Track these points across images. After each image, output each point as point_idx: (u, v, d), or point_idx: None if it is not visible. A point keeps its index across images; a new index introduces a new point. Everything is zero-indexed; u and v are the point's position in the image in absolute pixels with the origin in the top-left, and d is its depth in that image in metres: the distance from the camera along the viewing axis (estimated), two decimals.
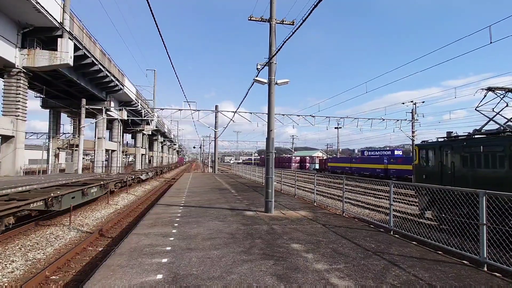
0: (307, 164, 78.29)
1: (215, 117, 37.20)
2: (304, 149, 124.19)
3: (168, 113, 34.79)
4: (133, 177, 25.57)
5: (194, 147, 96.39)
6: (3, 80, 20.99)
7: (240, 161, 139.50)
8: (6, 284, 6.43)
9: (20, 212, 9.48)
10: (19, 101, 20.69)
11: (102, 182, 16.75)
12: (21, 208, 9.48)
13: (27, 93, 21.93)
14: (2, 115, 20.51)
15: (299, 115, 35.71)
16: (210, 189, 18.18)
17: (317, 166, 70.03)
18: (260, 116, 34.69)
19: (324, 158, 73.11)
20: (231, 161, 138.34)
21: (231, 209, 11.05)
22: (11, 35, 19.28)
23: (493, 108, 11.39)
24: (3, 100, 20.62)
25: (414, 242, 6.99)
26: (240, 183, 23.54)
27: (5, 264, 7.40)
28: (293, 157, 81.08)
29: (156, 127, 55.14)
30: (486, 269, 5.33)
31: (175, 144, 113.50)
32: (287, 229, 8.04)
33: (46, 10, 18.76)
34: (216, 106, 37.09)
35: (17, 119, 20.66)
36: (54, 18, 19.96)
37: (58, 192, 11.73)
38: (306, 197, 16.15)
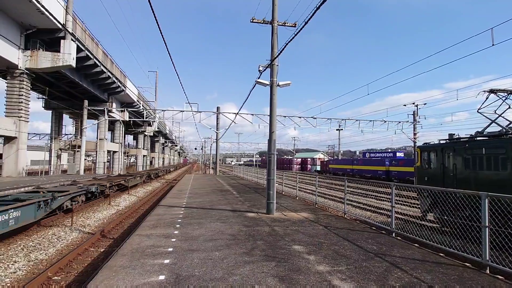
0: (308, 165, 78.19)
1: (217, 118, 37.27)
2: (305, 151, 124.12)
3: (170, 114, 34.87)
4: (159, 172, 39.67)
5: (195, 149, 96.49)
6: (6, 81, 21.08)
7: (242, 162, 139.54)
8: (8, 285, 6.45)
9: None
10: (21, 102, 20.77)
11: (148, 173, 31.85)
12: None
13: (29, 94, 22.02)
14: (5, 116, 20.60)
15: (300, 117, 35.74)
16: (211, 191, 18.19)
17: (318, 168, 69.93)
18: (262, 117, 34.75)
19: (326, 159, 73.03)
20: (233, 163, 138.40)
21: (232, 211, 11.06)
22: (14, 36, 19.38)
23: (495, 110, 11.38)
24: (6, 101, 20.71)
25: (416, 244, 6.99)
26: (242, 184, 23.54)
27: (8, 265, 7.42)
28: (294, 159, 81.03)
29: (157, 128, 55.26)
30: (488, 272, 5.31)
31: (176, 146, 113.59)
32: (288, 231, 8.04)
33: (49, 12, 18.86)
34: (218, 108, 37.16)
35: (19, 120, 20.75)
36: (57, 20, 20.05)
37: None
38: (307, 199, 16.13)
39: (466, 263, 5.69)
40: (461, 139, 11.26)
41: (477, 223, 6.07)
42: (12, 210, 8.46)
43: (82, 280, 6.58)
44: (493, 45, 12.59)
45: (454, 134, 12.03)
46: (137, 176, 25.88)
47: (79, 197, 13.51)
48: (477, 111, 11.89)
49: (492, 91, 11.45)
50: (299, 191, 16.92)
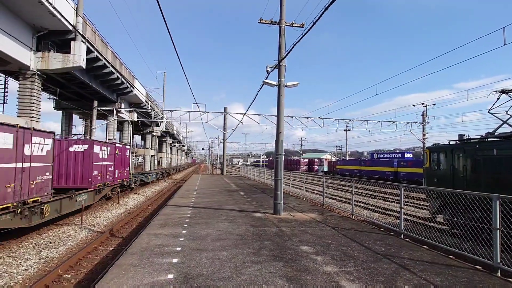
0: (315, 166, 77.85)
1: (224, 119, 37.36)
2: (312, 151, 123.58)
3: (178, 114, 35.07)
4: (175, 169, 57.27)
5: (202, 149, 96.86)
6: (18, 82, 21.49)
7: (249, 162, 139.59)
8: (21, 281, 6.59)
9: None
10: (33, 102, 21.14)
11: (175, 168, 58.18)
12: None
13: (41, 95, 22.37)
14: (17, 116, 21.00)
15: (308, 117, 35.49)
16: (218, 191, 18.26)
17: (325, 169, 69.60)
18: (269, 118, 34.65)
19: (333, 160, 72.62)
20: (240, 163, 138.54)
21: (240, 211, 11.09)
22: (26, 38, 19.76)
23: (507, 111, 11.19)
24: (18, 102, 21.10)
25: (425, 246, 6.91)
26: (249, 185, 23.58)
27: (20, 262, 7.58)
28: (302, 159, 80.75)
29: (165, 128, 55.59)
30: (499, 275, 5.23)
31: (183, 146, 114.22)
32: (296, 231, 8.03)
33: (60, 14, 19.15)
34: (225, 108, 37.24)
35: (31, 120, 21.10)
36: (68, 22, 20.37)
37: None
38: (314, 200, 16.07)
39: (476, 266, 5.61)
40: (472, 140, 11.10)
41: (487, 225, 5.98)
42: (154, 175, 31.72)
43: (92, 278, 6.67)
44: (505, 44, 12.40)
45: (464, 135, 11.86)
46: (172, 170, 50.70)
47: (163, 174, 37.99)
48: (488, 112, 11.71)
49: (503, 91, 11.26)
50: (306, 191, 16.87)
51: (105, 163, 16.72)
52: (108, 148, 17.41)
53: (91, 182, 14.70)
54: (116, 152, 18.66)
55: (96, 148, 15.58)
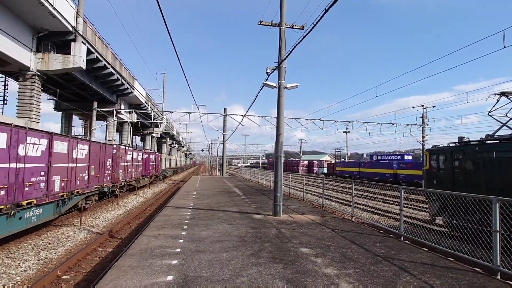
0: (315, 168, 77.84)
1: (224, 120, 37.37)
2: (312, 153, 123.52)
3: (177, 116, 35.12)
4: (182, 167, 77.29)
5: (202, 150, 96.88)
6: (18, 83, 21.49)
7: (248, 164, 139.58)
8: (19, 283, 6.56)
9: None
10: (33, 103, 21.13)
11: (181, 167, 77.33)
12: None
13: (40, 95, 22.37)
14: (17, 117, 20.98)
15: (307, 119, 35.54)
16: (218, 192, 18.25)
17: (325, 170, 69.60)
18: (269, 119, 34.69)
19: (333, 162, 72.61)
20: (239, 164, 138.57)
21: (239, 212, 11.08)
22: (26, 39, 19.77)
23: (506, 113, 11.21)
24: (18, 102, 21.09)
25: (425, 249, 6.91)
26: (248, 186, 23.56)
27: (19, 263, 7.56)
28: (301, 161, 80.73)
29: (165, 130, 55.60)
30: (499, 277, 5.23)
31: (183, 147, 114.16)
32: (295, 233, 8.03)
33: (61, 15, 19.17)
34: (225, 110, 37.25)
35: (31, 121, 21.08)
36: (69, 23, 20.39)
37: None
38: (314, 201, 16.06)
39: (476, 268, 5.61)
40: (471, 142, 11.11)
41: (487, 228, 5.98)
42: (169, 172, 48.77)
43: (91, 279, 6.66)
44: (504, 47, 12.44)
45: (463, 137, 11.88)
46: (179, 169, 61.67)
47: (174, 172, 54.11)
48: (488, 114, 11.73)
49: (503, 93, 11.29)
50: (306, 193, 16.86)
51: (153, 163, 30.89)
52: (154, 155, 32.23)
53: (148, 173, 28.74)
54: (156, 158, 33.02)
55: (150, 156, 29.69)
